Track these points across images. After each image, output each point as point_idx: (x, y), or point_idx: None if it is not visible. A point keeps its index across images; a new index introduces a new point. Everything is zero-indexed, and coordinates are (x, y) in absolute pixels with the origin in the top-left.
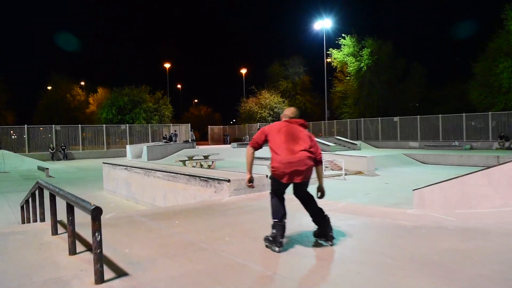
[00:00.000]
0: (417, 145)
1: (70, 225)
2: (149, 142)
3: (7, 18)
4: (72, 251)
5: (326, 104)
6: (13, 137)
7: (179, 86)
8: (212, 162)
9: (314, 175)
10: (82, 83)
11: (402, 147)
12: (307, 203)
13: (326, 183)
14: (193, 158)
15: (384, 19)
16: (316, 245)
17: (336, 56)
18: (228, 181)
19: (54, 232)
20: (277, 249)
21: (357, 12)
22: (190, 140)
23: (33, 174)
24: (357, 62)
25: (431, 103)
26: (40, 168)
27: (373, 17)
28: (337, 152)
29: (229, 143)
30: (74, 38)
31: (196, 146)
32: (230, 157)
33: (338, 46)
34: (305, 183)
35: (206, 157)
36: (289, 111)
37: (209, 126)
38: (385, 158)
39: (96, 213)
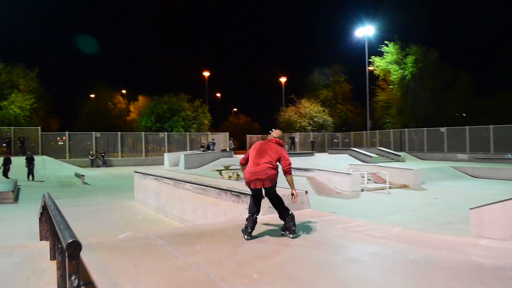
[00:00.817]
0: (465, 158)
1: (59, 255)
2: (187, 150)
3: (53, 29)
4: (62, 287)
5: (368, 114)
6: (60, 143)
7: (218, 94)
8: None
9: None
10: (124, 91)
11: (449, 160)
12: (274, 203)
13: (369, 196)
14: (230, 168)
15: (428, 26)
16: (281, 236)
17: (378, 64)
18: None
19: (53, 256)
20: (246, 237)
21: (400, 19)
22: (228, 149)
23: (70, 181)
24: (401, 70)
25: (479, 112)
26: (77, 175)
27: (417, 23)
28: (380, 164)
29: None
30: (115, 48)
31: (234, 155)
32: None
33: (380, 54)
34: (269, 188)
35: None
36: (274, 133)
37: (248, 135)
38: (432, 171)
39: (72, 250)
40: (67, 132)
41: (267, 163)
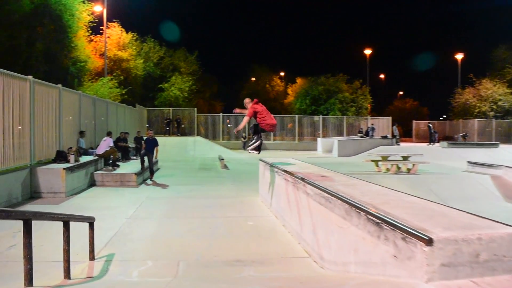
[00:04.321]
0: None
1: None
2: (343, 136)
3: (215, 14)
4: None
5: None
6: (229, 125)
7: (381, 76)
8: (413, 165)
9: None
10: (282, 73)
11: None
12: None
13: None
14: (388, 159)
15: None
16: None
17: None
18: (428, 241)
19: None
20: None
21: None
22: (391, 135)
23: (213, 164)
24: None
25: None
26: (220, 158)
27: None
28: None
29: (437, 142)
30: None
31: (398, 143)
32: (438, 159)
33: None
34: None
35: (405, 158)
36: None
37: (414, 121)
38: None
39: None
40: (221, 114)
41: None
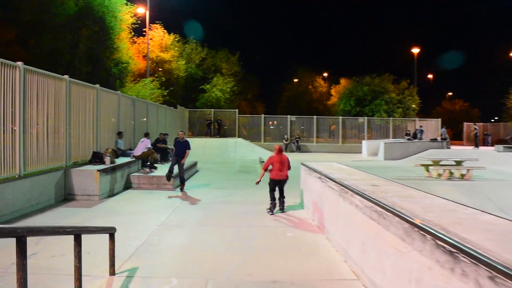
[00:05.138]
0: None
1: None
2: (389, 138)
3: (257, 17)
4: None
5: None
6: (271, 127)
7: (429, 76)
8: (468, 170)
9: None
10: (325, 74)
11: None
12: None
13: None
14: (440, 163)
15: None
16: None
17: None
18: None
19: None
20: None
21: None
22: (440, 138)
23: (253, 166)
24: None
25: None
26: (261, 161)
27: None
28: None
29: (491, 145)
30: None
31: (448, 147)
32: (493, 164)
33: None
34: None
35: (458, 162)
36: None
37: (465, 123)
38: None
39: None
40: (262, 116)
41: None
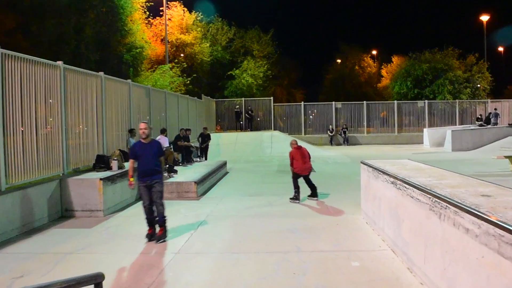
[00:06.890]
0: None
1: None
2: (455, 125)
3: None
4: None
5: None
6: (310, 117)
7: (500, 49)
8: None
9: None
10: (374, 52)
11: None
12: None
13: None
14: None
15: None
16: None
17: None
18: None
19: None
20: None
21: None
22: None
23: None
24: None
25: None
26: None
27: None
28: None
29: None
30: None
31: None
32: None
33: None
34: None
35: None
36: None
37: None
38: None
39: None
40: (302, 103)
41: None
